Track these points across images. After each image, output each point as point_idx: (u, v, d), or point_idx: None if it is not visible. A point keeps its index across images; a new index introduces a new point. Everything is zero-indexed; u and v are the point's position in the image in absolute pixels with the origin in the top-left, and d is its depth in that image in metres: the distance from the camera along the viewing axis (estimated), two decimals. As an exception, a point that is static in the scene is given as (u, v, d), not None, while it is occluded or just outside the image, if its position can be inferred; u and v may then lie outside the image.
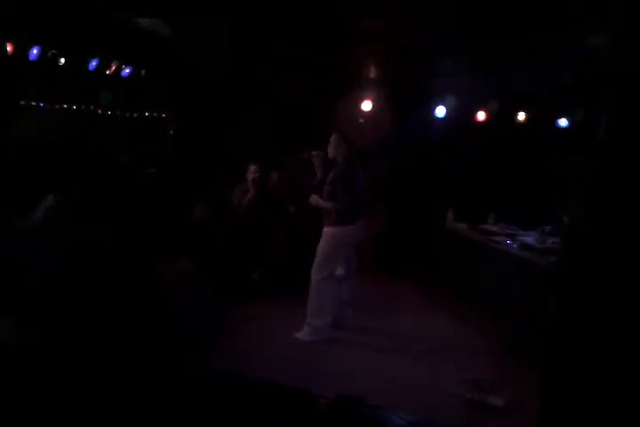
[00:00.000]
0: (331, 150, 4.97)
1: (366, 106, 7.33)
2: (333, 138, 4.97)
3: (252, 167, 6.26)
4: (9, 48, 6.14)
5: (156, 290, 4.66)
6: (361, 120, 7.58)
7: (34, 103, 8.19)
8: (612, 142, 2.70)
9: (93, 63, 6.84)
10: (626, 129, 2.66)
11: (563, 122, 7.29)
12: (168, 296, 4.63)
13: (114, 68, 6.99)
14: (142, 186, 7.24)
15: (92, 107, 8.57)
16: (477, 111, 7.35)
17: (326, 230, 4.95)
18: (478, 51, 6.09)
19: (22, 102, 7.91)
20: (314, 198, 4.97)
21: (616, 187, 2.66)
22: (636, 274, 2.63)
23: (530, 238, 5.65)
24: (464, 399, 3.86)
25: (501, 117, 7.36)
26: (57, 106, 8.46)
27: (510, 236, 5.95)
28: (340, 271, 5.15)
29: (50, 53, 6.50)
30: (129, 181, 7.10)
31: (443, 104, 7.27)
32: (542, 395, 2.76)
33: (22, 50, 6.27)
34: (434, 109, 7.32)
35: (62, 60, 6.67)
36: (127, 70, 7.18)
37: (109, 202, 6.18)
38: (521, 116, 7.42)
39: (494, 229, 6.37)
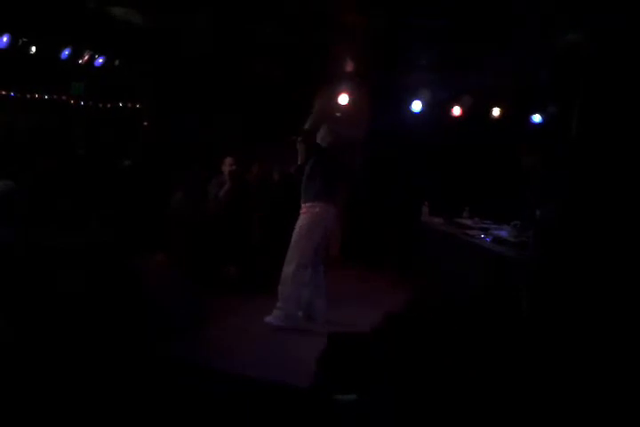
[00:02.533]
0: (319, 137, 5.26)
1: (343, 99, 7.32)
2: (323, 128, 5.27)
3: (228, 160, 6.24)
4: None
5: (132, 284, 4.61)
6: (338, 114, 7.56)
7: (4, 92, 8.01)
8: (583, 139, 2.74)
9: (65, 52, 6.70)
10: (597, 125, 2.70)
11: (536, 118, 7.38)
12: (143, 290, 4.59)
13: (86, 57, 6.86)
14: (117, 179, 7.14)
15: (63, 97, 8.41)
16: (452, 106, 7.39)
17: (302, 210, 5.05)
18: (454, 47, 6.13)
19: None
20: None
21: (587, 183, 2.71)
22: (607, 268, 2.68)
23: (503, 232, 5.72)
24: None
25: (476, 113, 7.42)
26: (28, 95, 8.28)
27: (484, 230, 6.01)
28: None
29: (21, 41, 6.35)
30: (102, 175, 7.00)
31: (419, 99, 7.30)
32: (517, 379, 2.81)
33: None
34: (410, 104, 7.34)
35: (33, 49, 6.52)
36: (100, 60, 7.05)
37: (82, 194, 6.09)
38: (495, 111, 7.49)
39: (469, 222, 6.43)
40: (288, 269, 4.97)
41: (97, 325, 4.03)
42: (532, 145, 4.97)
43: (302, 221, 5.05)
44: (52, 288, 4.46)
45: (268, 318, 4.94)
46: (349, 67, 7.22)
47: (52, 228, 4.83)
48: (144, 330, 4.21)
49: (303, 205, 5.09)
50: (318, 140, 5.26)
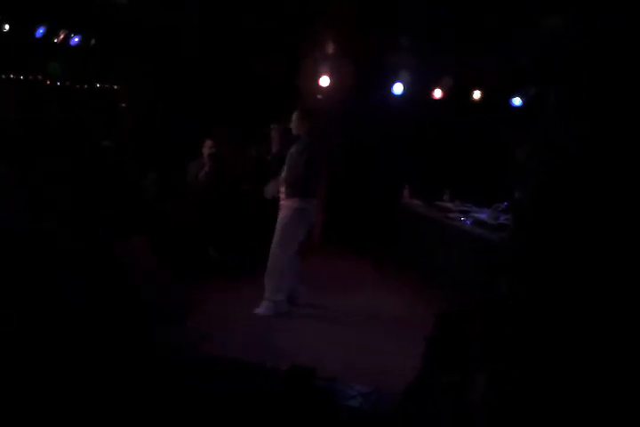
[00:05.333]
0: (293, 127, 4.99)
1: (324, 81, 7.25)
2: (295, 114, 4.99)
3: (208, 142, 6.19)
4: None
5: (111, 269, 4.57)
6: (319, 96, 7.50)
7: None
8: (560, 121, 2.74)
9: (40, 31, 6.55)
10: (573, 107, 2.69)
11: (517, 101, 7.38)
12: (123, 273, 4.55)
13: (62, 36, 6.70)
14: (98, 159, 7.03)
15: (40, 77, 8.23)
16: (433, 88, 7.36)
17: (286, 204, 4.90)
18: (435, 30, 6.09)
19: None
20: (271, 186, 4.96)
21: (565, 165, 2.71)
22: (584, 251, 2.69)
23: (483, 215, 5.75)
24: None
25: (457, 95, 7.40)
26: (3, 76, 8.10)
27: (464, 212, 6.04)
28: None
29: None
30: (85, 156, 6.88)
31: (400, 81, 7.26)
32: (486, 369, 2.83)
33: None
34: (391, 86, 7.30)
35: (7, 27, 6.36)
36: (76, 39, 6.90)
37: (62, 176, 5.99)
38: (476, 94, 7.48)
39: (449, 205, 6.45)
40: (275, 261, 4.91)
41: (79, 315, 3.99)
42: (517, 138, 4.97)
43: (285, 216, 4.90)
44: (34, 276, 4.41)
45: (258, 310, 4.94)
46: (331, 48, 7.14)
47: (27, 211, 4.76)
48: (127, 317, 4.19)
49: (285, 199, 4.91)
50: (295, 130, 4.99)
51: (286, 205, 4.91)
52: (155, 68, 7.32)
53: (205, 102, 7.19)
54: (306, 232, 5.06)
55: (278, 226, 4.93)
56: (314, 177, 4.92)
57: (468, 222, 5.71)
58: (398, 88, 7.27)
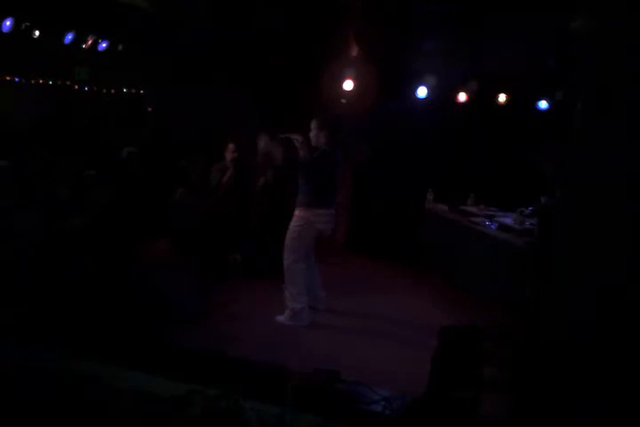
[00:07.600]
0: (312, 137, 4.85)
1: (348, 85, 7.24)
2: (312, 124, 4.84)
3: (231, 146, 6.22)
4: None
5: (135, 271, 4.63)
6: (343, 100, 7.49)
7: (8, 78, 7.99)
8: (588, 126, 2.69)
9: (69, 37, 6.67)
10: (601, 113, 2.65)
11: (543, 104, 7.29)
12: (147, 278, 4.60)
13: (90, 42, 6.81)
14: (120, 165, 7.12)
15: (68, 82, 8.38)
16: (458, 92, 7.31)
17: (295, 213, 4.88)
18: (461, 32, 6.06)
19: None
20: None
21: (595, 175, 2.67)
22: (616, 256, 2.65)
23: (508, 220, 5.69)
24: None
25: (482, 99, 7.33)
26: (32, 81, 8.26)
27: (489, 217, 5.98)
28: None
29: (24, 26, 6.31)
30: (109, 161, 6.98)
31: (424, 84, 7.22)
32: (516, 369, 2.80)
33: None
34: (415, 90, 7.27)
35: (37, 33, 6.48)
36: (104, 44, 7.01)
37: (87, 181, 6.08)
38: (501, 97, 7.40)
39: (474, 210, 6.39)
40: (287, 271, 4.89)
41: (101, 313, 4.06)
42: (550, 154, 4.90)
43: (293, 224, 4.87)
44: (55, 275, 4.49)
45: (278, 317, 4.92)
46: (355, 51, 7.14)
47: (52, 214, 4.84)
48: (149, 318, 4.24)
49: (296, 209, 4.89)
50: (312, 141, 4.84)
51: (294, 214, 4.88)
52: (178, 71, 7.38)
53: (232, 106, 7.22)
54: (312, 241, 4.90)
55: (287, 234, 4.90)
56: (321, 191, 4.79)
57: (493, 227, 5.66)
58: (422, 91, 7.23)
